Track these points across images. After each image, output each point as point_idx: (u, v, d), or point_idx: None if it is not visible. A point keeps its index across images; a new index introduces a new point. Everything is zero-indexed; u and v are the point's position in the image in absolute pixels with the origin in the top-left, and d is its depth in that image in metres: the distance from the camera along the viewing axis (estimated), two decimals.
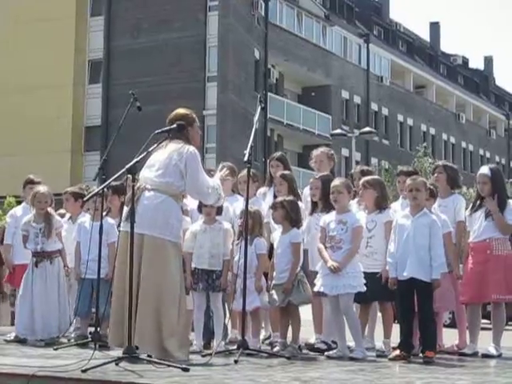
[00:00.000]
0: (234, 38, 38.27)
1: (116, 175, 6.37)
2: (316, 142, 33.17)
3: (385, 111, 49.89)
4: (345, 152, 41.02)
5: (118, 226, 7.03)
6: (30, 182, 9.06)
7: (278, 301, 7.31)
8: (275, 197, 7.99)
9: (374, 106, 49.10)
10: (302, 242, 7.52)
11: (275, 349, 7.42)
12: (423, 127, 53.51)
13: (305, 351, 7.51)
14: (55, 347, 7.37)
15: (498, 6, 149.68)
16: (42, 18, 38.63)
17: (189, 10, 37.82)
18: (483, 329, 7.88)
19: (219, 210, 7.64)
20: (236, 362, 6.41)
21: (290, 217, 7.40)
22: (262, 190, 8.67)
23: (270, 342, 8.02)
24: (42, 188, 8.40)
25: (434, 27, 64.88)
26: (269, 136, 40.22)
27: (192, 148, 6.70)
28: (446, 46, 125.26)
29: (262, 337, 8.13)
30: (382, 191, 7.72)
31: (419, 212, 7.07)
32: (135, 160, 6.25)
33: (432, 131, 54.39)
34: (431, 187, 7.49)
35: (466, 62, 67.63)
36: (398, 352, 6.99)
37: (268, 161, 8.94)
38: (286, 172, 8.20)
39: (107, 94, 39.08)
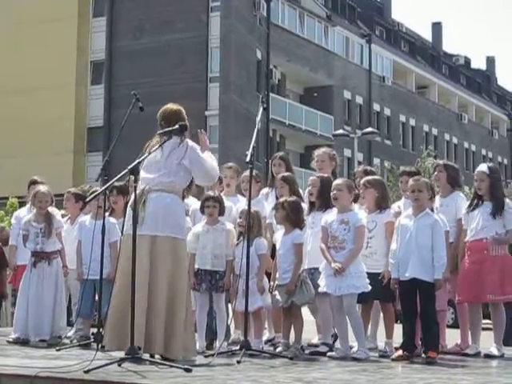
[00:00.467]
0: (236, 38, 38.27)
1: (118, 176, 6.39)
2: (318, 143, 33.10)
3: (387, 111, 49.85)
4: (347, 152, 40.96)
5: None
6: (35, 183, 9.10)
7: (281, 301, 7.31)
8: (277, 197, 7.99)
9: (376, 107, 49.07)
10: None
11: (278, 349, 7.43)
12: (425, 127, 53.45)
13: (307, 351, 7.51)
14: (57, 348, 7.36)
15: (500, 6, 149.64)
16: (44, 18, 38.67)
17: (191, 10, 37.85)
18: (485, 329, 7.87)
19: (222, 211, 7.65)
20: (238, 362, 6.42)
21: (291, 218, 7.39)
22: (265, 190, 8.67)
23: (272, 343, 8.01)
24: (42, 187, 8.41)
25: (436, 27, 64.81)
26: (271, 136, 40.19)
27: (190, 142, 6.79)
28: (448, 46, 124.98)
29: (265, 338, 8.12)
30: (383, 191, 7.71)
31: (421, 212, 7.07)
32: (137, 160, 6.28)
33: (434, 131, 54.33)
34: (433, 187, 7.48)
35: (468, 62, 67.53)
36: (400, 352, 6.99)
37: (270, 160, 8.94)
38: (287, 174, 8.18)
39: (109, 95, 39.11)
